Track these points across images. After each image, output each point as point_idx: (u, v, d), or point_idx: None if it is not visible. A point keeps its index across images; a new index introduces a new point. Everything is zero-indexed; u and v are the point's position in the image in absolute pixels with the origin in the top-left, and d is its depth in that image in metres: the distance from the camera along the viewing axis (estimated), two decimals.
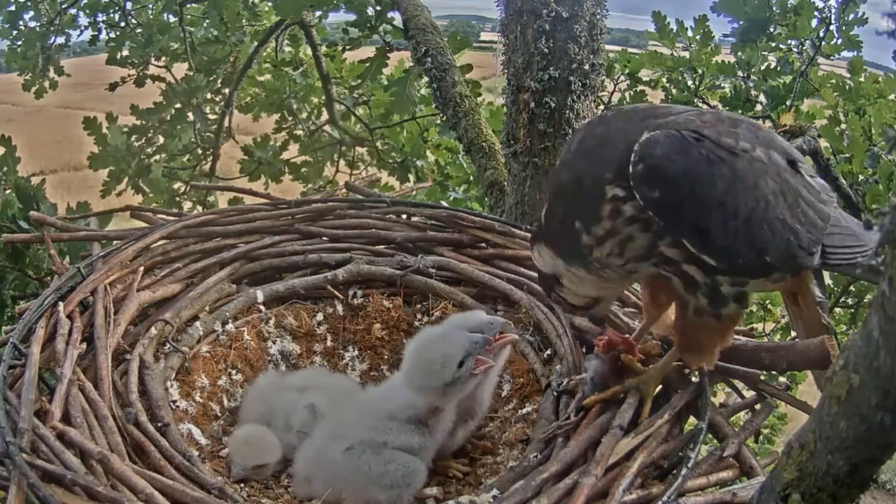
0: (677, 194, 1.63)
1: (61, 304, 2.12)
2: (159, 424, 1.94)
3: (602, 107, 4.40)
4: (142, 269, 2.40)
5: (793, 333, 2.15)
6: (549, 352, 2.31)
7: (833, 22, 4.39)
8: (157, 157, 6.14)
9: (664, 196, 1.62)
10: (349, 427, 2.00)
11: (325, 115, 6.57)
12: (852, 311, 5.09)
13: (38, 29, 5.99)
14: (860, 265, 1.84)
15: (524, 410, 2.26)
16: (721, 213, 1.63)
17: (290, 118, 6.55)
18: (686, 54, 4.73)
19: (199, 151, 6.38)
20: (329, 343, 2.58)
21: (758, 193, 1.65)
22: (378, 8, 4.39)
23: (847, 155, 4.27)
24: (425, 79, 4.21)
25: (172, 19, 5.95)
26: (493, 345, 2.05)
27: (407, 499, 1.93)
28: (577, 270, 1.81)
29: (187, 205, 6.27)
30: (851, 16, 4.34)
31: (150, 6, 6.15)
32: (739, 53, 4.55)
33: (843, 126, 4.33)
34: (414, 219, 2.84)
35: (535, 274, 2.47)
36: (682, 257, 1.69)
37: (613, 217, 1.69)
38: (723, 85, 4.73)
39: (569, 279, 1.85)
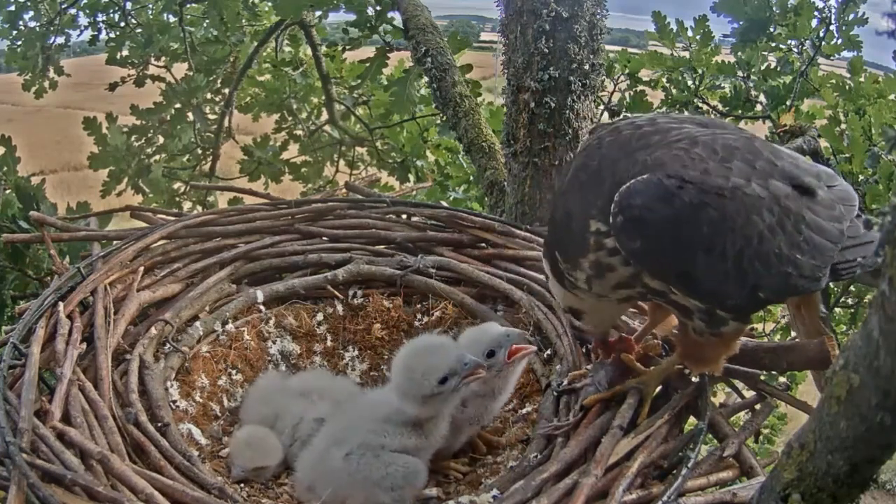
0: (659, 244, 1.61)
1: (61, 304, 2.12)
2: (159, 424, 1.94)
3: (602, 107, 4.40)
4: (142, 269, 2.40)
5: (793, 333, 2.15)
6: (549, 352, 2.31)
7: (833, 22, 4.38)
8: (157, 157, 6.13)
9: (645, 246, 1.62)
10: (347, 432, 2.00)
11: (324, 115, 6.57)
12: (852, 311, 5.09)
13: (38, 29, 5.97)
14: (861, 263, 1.79)
15: (524, 410, 2.26)
16: (707, 258, 1.60)
17: (290, 118, 6.54)
18: (686, 54, 4.72)
19: (199, 151, 6.37)
20: (329, 343, 2.58)
21: (750, 231, 1.61)
22: (378, 8, 4.38)
23: (847, 155, 4.26)
24: (425, 79, 4.21)
25: (172, 19, 5.94)
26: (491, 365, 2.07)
27: (409, 499, 1.94)
28: (557, 288, 1.90)
29: (187, 205, 6.27)
30: (851, 16, 4.34)
31: (150, 6, 6.14)
32: (739, 53, 4.55)
33: (843, 126, 4.32)
34: (414, 219, 2.84)
35: (534, 274, 2.49)
36: (669, 289, 1.69)
37: (596, 249, 1.70)
38: (723, 85, 4.73)
39: (554, 288, 1.94)
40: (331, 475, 1.93)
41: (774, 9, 4.42)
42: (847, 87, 4.53)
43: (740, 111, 4.58)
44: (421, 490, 1.97)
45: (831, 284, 4.88)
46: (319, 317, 2.59)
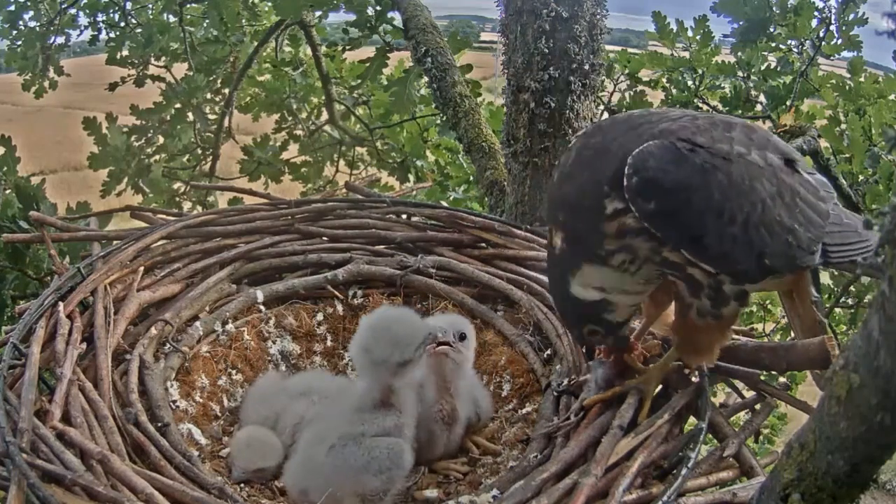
0: (673, 205, 1.63)
1: (61, 304, 2.12)
2: (159, 424, 1.94)
3: (602, 107, 4.41)
4: (142, 269, 2.40)
5: (792, 334, 2.16)
6: (549, 352, 2.31)
7: (833, 22, 4.39)
8: (157, 157, 6.14)
9: (660, 207, 1.63)
10: (327, 429, 2.01)
11: (325, 115, 6.57)
12: (852, 311, 5.09)
13: (38, 29, 5.98)
14: (861, 263, 1.83)
15: (524, 410, 2.26)
16: (717, 221, 1.63)
17: (290, 118, 6.54)
18: (686, 54, 4.73)
19: (199, 151, 6.37)
20: (329, 343, 2.58)
21: (754, 197, 1.65)
22: (378, 8, 4.39)
23: (847, 155, 4.27)
24: (425, 79, 4.21)
25: (172, 19, 5.94)
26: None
27: (399, 479, 1.94)
28: (619, 277, 1.75)
29: (187, 205, 6.27)
30: (851, 16, 4.34)
31: (150, 6, 6.14)
32: (739, 53, 4.55)
33: (843, 126, 4.33)
34: (414, 219, 2.84)
35: (534, 274, 2.49)
36: (686, 261, 1.70)
37: (618, 232, 1.69)
38: (723, 85, 4.74)
39: (614, 288, 1.78)
40: (318, 472, 1.93)
41: (774, 9, 4.42)
42: (847, 87, 4.53)
43: (740, 111, 4.59)
44: (409, 470, 1.97)
45: (831, 285, 4.90)
46: (319, 317, 2.59)
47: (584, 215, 1.73)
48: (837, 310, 5.15)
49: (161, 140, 6.12)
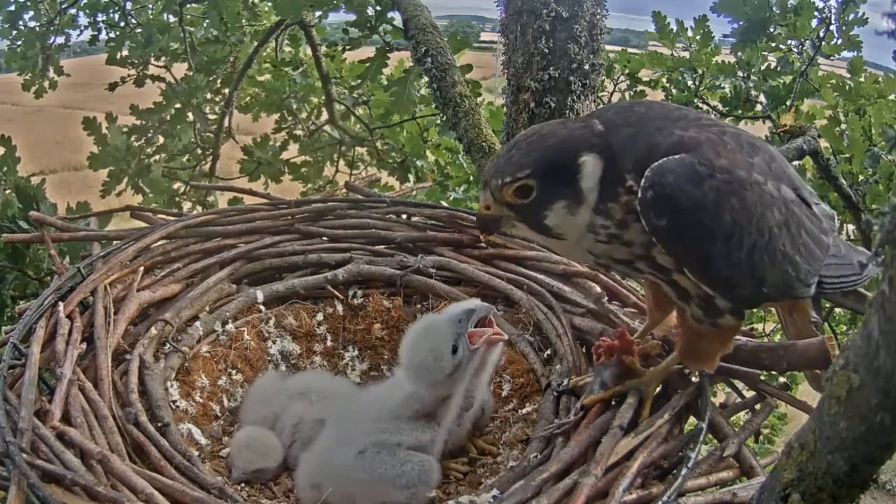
0: (684, 224, 1.61)
1: (61, 304, 2.12)
2: (159, 424, 1.93)
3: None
4: (142, 269, 2.40)
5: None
6: (549, 352, 2.30)
7: (833, 22, 4.39)
8: (157, 157, 6.15)
9: (671, 225, 1.61)
10: (358, 431, 2.00)
11: (324, 115, 6.58)
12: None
13: (38, 29, 5.99)
14: (850, 294, 1.88)
15: (524, 410, 2.26)
16: (725, 246, 1.62)
17: (290, 118, 6.55)
18: (686, 54, 4.74)
19: (199, 151, 6.38)
20: (329, 343, 2.58)
21: (763, 225, 1.64)
22: (378, 8, 4.39)
23: (847, 155, 4.28)
24: (425, 79, 4.21)
25: (172, 19, 5.95)
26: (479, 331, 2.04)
27: (423, 497, 1.94)
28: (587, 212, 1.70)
29: (187, 205, 6.28)
30: (851, 16, 4.34)
31: (150, 6, 6.15)
32: (739, 53, 4.55)
33: (843, 126, 4.33)
34: (414, 219, 2.84)
35: (535, 274, 2.49)
36: (676, 266, 1.69)
37: (625, 209, 1.67)
38: (723, 85, 4.74)
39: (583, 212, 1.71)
40: (339, 472, 1.92)
41: (774, 9, 4.42)
42: (847, 87, 4.54)
43: (740, 111, 4.59)
44: (434, 487, 1.96)
45: None
46: (319, 317, 2.59)
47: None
48: (837, 310, 5.15)
49: (161, 140, 6.13)
